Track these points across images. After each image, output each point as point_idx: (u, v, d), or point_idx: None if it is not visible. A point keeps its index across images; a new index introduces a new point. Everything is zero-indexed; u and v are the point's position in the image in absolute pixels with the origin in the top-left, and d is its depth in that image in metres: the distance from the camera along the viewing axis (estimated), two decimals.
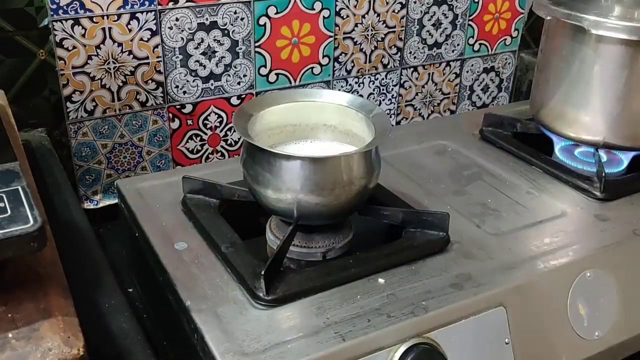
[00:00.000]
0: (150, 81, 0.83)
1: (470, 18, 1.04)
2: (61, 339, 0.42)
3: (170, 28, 0.82)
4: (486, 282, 0.60)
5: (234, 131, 0.92)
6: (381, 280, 0.60)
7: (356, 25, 0.94)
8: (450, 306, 0.57)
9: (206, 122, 0.89)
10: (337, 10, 0.91)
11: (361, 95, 0.98)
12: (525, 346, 0.61)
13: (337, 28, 0.93)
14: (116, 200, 0.78)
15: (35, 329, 0.42)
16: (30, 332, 0.42)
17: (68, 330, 0.42)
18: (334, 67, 0.95)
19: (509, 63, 1.12)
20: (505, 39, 1.09)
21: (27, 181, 0.45)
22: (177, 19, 0.81)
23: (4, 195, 0.43)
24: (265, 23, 0.87)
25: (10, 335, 0.41)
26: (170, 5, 0.80)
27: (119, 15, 0.78)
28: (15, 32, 0.74)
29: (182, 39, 0.83)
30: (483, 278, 0.61)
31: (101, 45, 0.78)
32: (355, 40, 0.95)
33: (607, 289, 0.66)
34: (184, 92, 0.86)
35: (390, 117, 1.05)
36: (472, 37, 1.06)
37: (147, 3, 0.79)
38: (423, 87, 1.05)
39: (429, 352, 0.55)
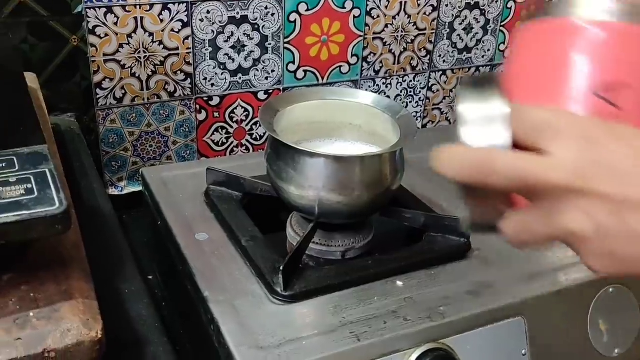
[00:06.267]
0: (179, 72, 0.84)
1: (502, 24, 1.03)
2: (81, 321, 0.42)
3: (201, 20, 0.82)
4: (506, 291, 0.59)
5: (260, 126, 0.92)
6: (399, 283, 0.60)
7: (386, 25, 0.94)
8: (468, 313, 0.56)
9: (232, 115, 0.90)
10: (368, 10, 0.91)
11: (388, 97, 0.98)
12: (542, 359, 0.60)
13: (367, 28, 0.92)
14: (141, 188, 0.79)
15: (56, 309, 0.42)
16: (51, 313, 0.42)
17: (88, 313, 0.43)
18: (362, 66, 0.95)
19: None
20: None
21: (55, 164, 0.46)
22: (208, 12, 0.82)
23: (31, 177, 0.44)
24: (295, 19, 0.87)
25: (31, 314, 0.42)
26: None
27: (152, 5, 0.79)
28: (50, 17, 0.75)
29: (213, 31, 0.83)
30: (503, 287, 0.60)
31: (132, 34, 0.79)
32: (384, 40, 0.95)
33: (629, 306, 0.65)
34: (212, 85, 0.86)
35: (417, 119, 1.04)
36: (503, 43, 1.05)
37: None
38: (451, 91, 1.04)
39: (443, 359, 0.54)
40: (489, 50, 1.04)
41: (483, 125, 0.32)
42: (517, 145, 0.32)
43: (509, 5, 1.02)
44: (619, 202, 0.30)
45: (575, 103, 0.32)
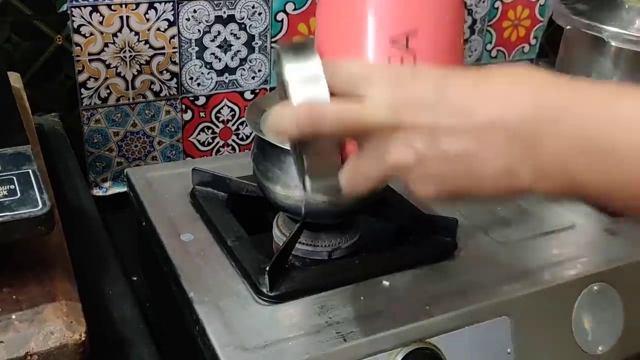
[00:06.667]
0: (165, 71, 0.83)
1: (489, 24, 1.03)
2: (64, 323, 0.42)
3: (188, 19, 0.82)
4: (491, 291, 0.60)
5: (246, 125, 0.92)
6: (386, 283, 0.60)
7: None
8: (454, 313, 0.57)
9: (219, 115, 0.89)
10: None
11: None
12: (527, 357, 0.60)
13: None
14: (125, 189, 0.79)
15: (39, 311, 0.42)
16: (33, 315, 0.42)
17: (71, 315, 0.43)
18: None
19: None
20: (523, 47, 1.09)
21: (38, 165, 0.45)
22: (195, 11, 0.82)
23: (14, 178, 0.43)
24: (282, 19, 0.87)
25: (13, 316, 0.42)
26: None
27: (137, 4, 0.78)
28: (34, 16, 0.75)
29: (199, 30, 0.83)
30: (489, 286, 0.60)
31: (118, 34, 0.79)
32: None
33: (613, 305, 0.66)
34: (198, 84, 0.86)
35: None
36: (490, 42, 1.05)
37: None
38: None
39: (430, 358, 0.55)
40: (475, 50, 1.04)
41: (304, 84, 0.36)
42: (336, 98, 0.37)
43: (496, 5, 1.02)
44: (430, 129, 0.35)
45: (377, 53, 0.38)
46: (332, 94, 0.36)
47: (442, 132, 0.35)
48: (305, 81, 0.36)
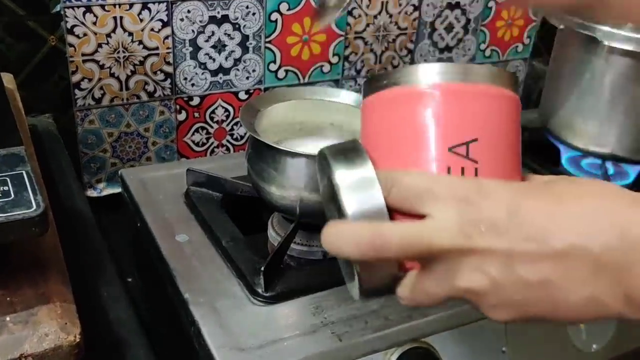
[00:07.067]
0: (159, 72, 0.83)
1: (483, 23, 1.04)
2: (58, 325, 0.42)
3: (182, 20, 0.81)
4: None
5: (241, 126, 0.92)
6: None
7: (368, 25, 0.94)
8: (448, 312, 0.57)
9: (213, 115, 0.89)
10: (350, 9, 0.91)
11: None
12: (521, 356, 0.61)
13: (349, 27, 0.93)
14: (120, 190, 0.78)
15: (33, 313, 0.42)
16: (27, 317, 0.42)
17: (65, 317, 0.42)
18: (343, 66, 0.95)
19: (520, 70, 1.12)
20: (517, 46, 1.09)
21: (32, 166, 0.45)
22: (188, 11, 0.81)
23: (8, 179, 0.43)
24: (276, 19, 0.87)
25: (7, 318, 0.41)
26: None
27: (131, 5, 0.78)
28: (27, 16, 0.74)
29: (193, 31, 0.83)
30: None
31: (112, 34, 0.78)
32: (366, 40, 0.95)
33: None
34: (192, 85, 0.86)
35: None
36: (484, 42, 1.05)
37: None
38: None
39: (425, 357, 0.55)
40: (469, 49, 1.05)
41: (357, 191, 0.34)
42: (392, 209, 0.34)
43: (489, 5, 1.02)
44: (506, 255, 0.32)
45: (436, 162, 0.34)
46: (388, 209, 0.34)
47: (518, 257, 0.32)
48: (357, 188, 0.34)
